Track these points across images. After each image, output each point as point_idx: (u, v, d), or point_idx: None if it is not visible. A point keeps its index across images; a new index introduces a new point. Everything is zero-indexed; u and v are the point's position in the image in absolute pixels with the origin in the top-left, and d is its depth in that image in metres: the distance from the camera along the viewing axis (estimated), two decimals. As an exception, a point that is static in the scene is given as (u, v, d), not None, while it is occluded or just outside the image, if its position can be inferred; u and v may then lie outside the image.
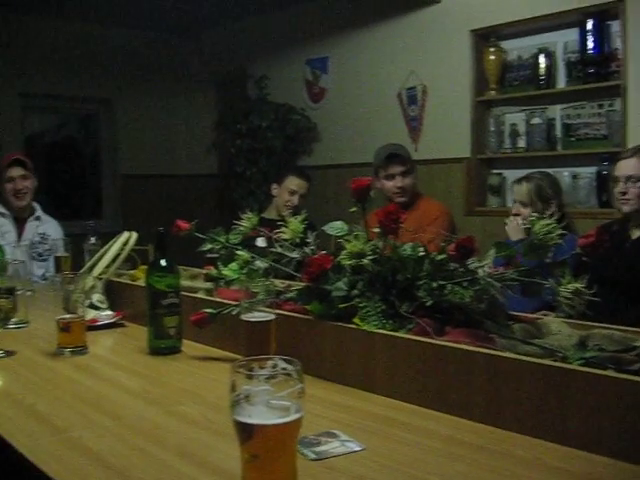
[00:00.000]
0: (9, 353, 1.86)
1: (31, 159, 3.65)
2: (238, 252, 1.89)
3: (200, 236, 1.96)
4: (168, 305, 1.87)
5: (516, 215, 3.26)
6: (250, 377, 0.92)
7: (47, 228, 3.58)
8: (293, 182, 3.91)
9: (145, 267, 2.52)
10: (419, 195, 3.60)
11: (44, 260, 3.44)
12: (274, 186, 4.00)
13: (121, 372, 1.72)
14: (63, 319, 1.86)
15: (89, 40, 5.68)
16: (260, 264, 1.85)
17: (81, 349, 1.87)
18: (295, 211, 3.33)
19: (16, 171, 3.46)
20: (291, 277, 1.92)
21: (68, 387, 1.57)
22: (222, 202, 6.05)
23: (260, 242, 2.10)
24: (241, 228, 1.96)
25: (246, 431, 0.90)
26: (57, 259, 3.12)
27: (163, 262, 1.89)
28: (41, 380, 1.64)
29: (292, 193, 3.89)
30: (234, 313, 1.71)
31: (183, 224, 2.01)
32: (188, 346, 1.90)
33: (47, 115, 6.18)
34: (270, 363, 0.96)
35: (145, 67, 6.00)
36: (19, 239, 3.45)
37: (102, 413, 1.37)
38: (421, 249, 1.59)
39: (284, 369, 0.94)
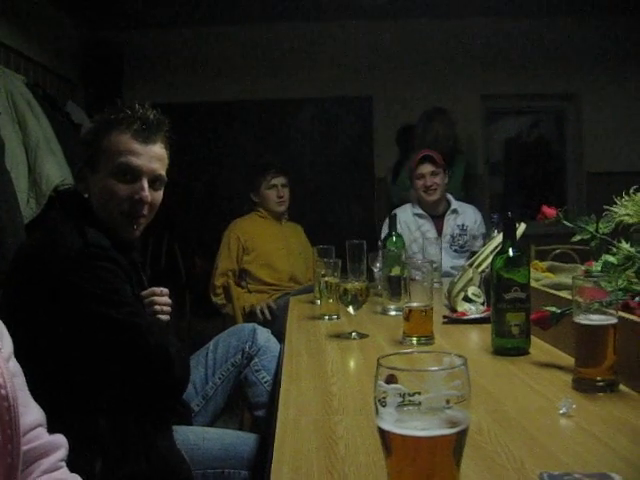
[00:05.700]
0: (362, 336, 1.90)
1: (442, 158, 3.57)
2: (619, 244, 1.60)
3: (567, 224, 1.73)
4: (511, 300, 1.66)
5: None
6: (392, 373, 0.73)
7: (465, 219, 3.55)
8: None
9: (536, 262, 2.33)
10: None
11: (466, 251, 3.45)
12: None
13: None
14: (409, 307, 1.81)
15: (540, 36, 5.47)
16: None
17: (426, 339, 1.80)
18: None
19: (426, 168, 3.46)
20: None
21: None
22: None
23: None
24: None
25: (382, 438, 0.73)
26: (472, 254, 3.08)
27: (511, 251, 1.69)
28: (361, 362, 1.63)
29: None
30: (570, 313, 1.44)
31: (549, 210, 1.81)
32: (538, 349, 1.67)
33: (514, 116, 6.17)
34: (447, 360, 0.76)
35: (608, 57, 5.47)
36: (439, 235, 3.42)
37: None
38: None
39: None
